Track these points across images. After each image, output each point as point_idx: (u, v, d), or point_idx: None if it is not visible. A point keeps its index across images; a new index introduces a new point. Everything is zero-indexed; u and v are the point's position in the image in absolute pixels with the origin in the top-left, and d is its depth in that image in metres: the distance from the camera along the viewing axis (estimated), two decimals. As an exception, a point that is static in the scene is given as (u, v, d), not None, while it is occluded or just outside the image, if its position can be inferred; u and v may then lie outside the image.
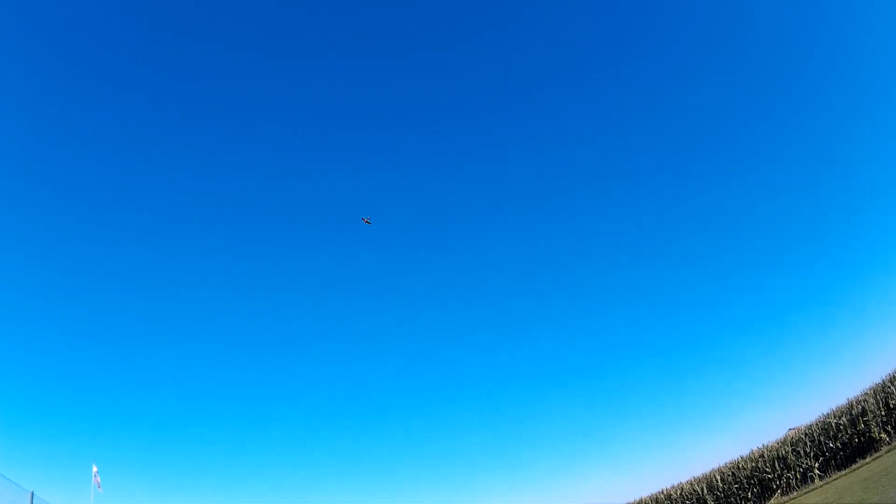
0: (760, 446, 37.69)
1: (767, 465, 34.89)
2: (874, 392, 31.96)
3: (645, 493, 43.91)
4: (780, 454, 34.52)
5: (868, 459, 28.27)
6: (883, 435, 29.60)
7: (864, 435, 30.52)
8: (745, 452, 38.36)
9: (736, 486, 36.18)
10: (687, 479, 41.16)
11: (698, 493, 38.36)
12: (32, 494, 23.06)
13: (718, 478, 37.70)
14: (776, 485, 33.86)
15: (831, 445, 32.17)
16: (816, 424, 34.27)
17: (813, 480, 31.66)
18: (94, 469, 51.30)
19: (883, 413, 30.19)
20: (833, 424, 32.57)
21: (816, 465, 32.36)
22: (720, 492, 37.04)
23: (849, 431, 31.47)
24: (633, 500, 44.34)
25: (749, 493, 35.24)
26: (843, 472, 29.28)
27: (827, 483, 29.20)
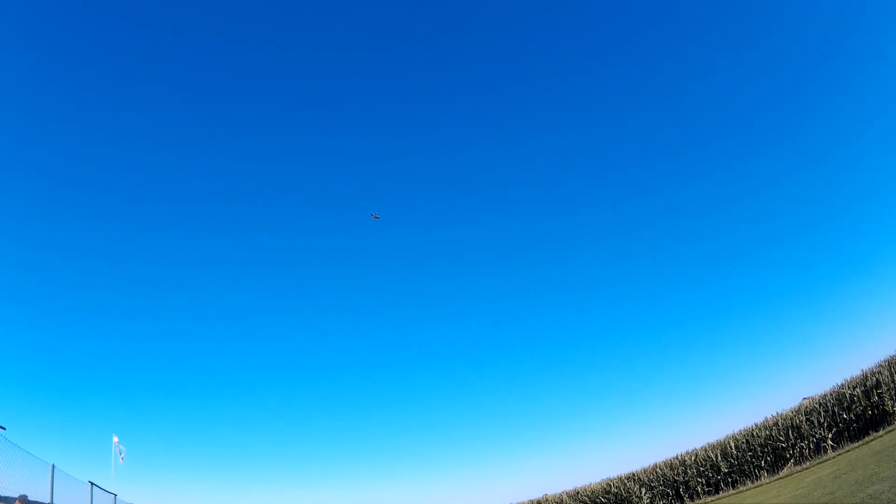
0: (775, 414, 38.22)
1: (781, 433, 35.46)
2: (889, 364, 32.08)
3: (660, 459, 44.84)
4: (795, 423, 35.04)
5: (881, 432, 28.70)
6: (896, 408, 30.17)
7: (877, 407, 30.98)
8: (759, 420, 39.17)
9: (749, 453, 36.87)
10: (701, 445, 42.09)
11: (712, 460, 39.12)
12: (53, 467, 23.33)
13: (732, 445, 38.39)
14: (789, 454, 34.49)
15: (845, 416, 32.65)
16: (831, 394, 34.63)
17: (826, 451, 32.23)
18: (115, 440, 52.10)
19: (896, 386, 30.66)
20: (847, 395, 32.91)
21: (830, 435, 32.93)
22: (734, 459, 37.77)
23: (863, 403, 31.89)
24: (648, 465, 45.27)
25: (762, 462, 35.98)
26: (856, 445, 29.74)
27: (839, 454, 29.70)
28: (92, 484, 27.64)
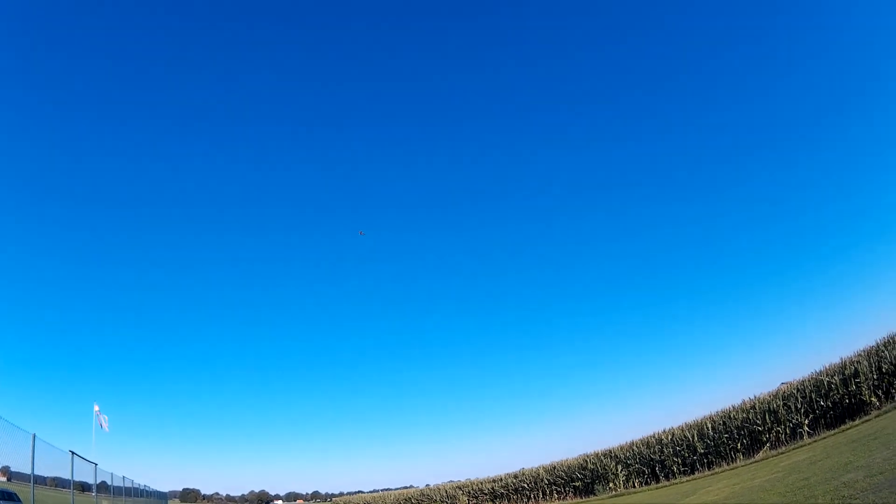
0: (752, 398, 38.76)
1: (758, 417, 35.89)
2: (868, 354, 32.36)
3: (636, 437, 45.54)
4: (772, 407, 35.46)
5: (857, 421, 29.11)
6: (873, 399, 30.42)
7: (855, 396, 31.42)
8: (736, 403, 39.77)
9: (726, 435, 37.36)
10: (678, 424, 42.73)
11: (689, 440, 39.73)
12: (34, 437, 23.30)
13: (709, 426, 38.93)
14: (766, 438, 35.01)
15: (822, 403, 33.06)
16: (809, 381, 34.95)
17: (802, 437, 32.68)
18: (96, 408, 52.16)
19: (875, 377, 30.89)
20: (825, 383, 33.24)
21: (806, 421, 33.39)
22: (710, 440, 38.35)
23: (840, 391, 32.29)
24: (624, 443, 45.98)
25: (738, 444, 36.55)
26: (832, 432, 30.15)
27: (815, 441, 30.11)
28: (73, 454, 27.78)
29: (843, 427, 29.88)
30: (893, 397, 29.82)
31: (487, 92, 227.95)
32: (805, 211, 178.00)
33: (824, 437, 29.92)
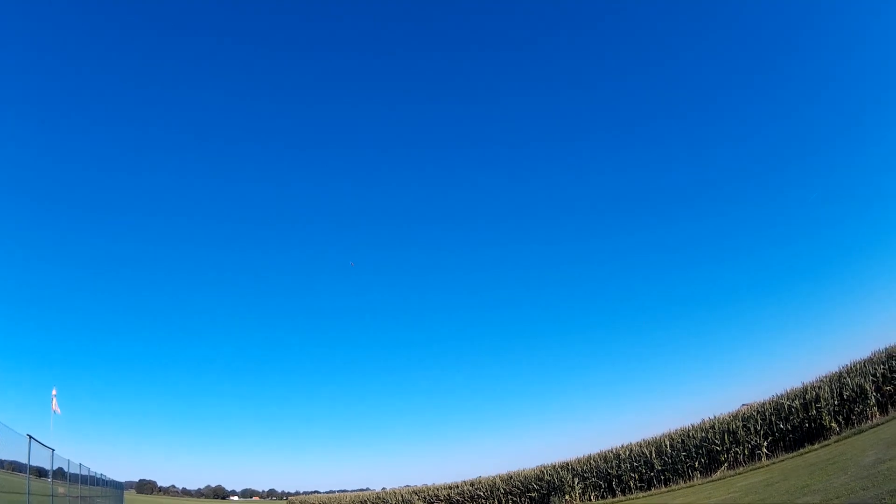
0: (712, 417, 38.67)
1: (717, 437, 35.70)
2: (829, 380, 32.57)
3: (594, 450, 45.39)
4: (731, 428, 35.30)
5: (816, 446, 29.07)
6: (833, 424, 30.44)
7: (815, 421, 31.44)
8: (696, 422, 39.73)
9: (684, 453, 37.17)
10: (637, 440, 42.63)
11: (646, 456, 39.54)
12: None
13: (667, 443, 38.76)
14: (724, 458, 34.91)
15: (781, 426, 32.98)
16: (769, 403, 34.89)
17: (760, 458, 32.59)
18: (54, 392, 51.27)
19: (836, 403, 30.96)
20: (786, 406, 33.22)
21: (765, 443, 33.31)
22: (668, 457, 38.20)
23: (800, 415, 32.26)
24: (582, 456, 45.79)
25: (696, 463, 36.39)
26: (791, 455, 30.10)
27: (774, 463, 30.02)
28: (30, 438, 27.09)
29: (801, 451, 29.86)
30: (854, 424, 29.84)
31: (484, 92, 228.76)
32: (776, 236, 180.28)
33: (782, 460, 29.86)
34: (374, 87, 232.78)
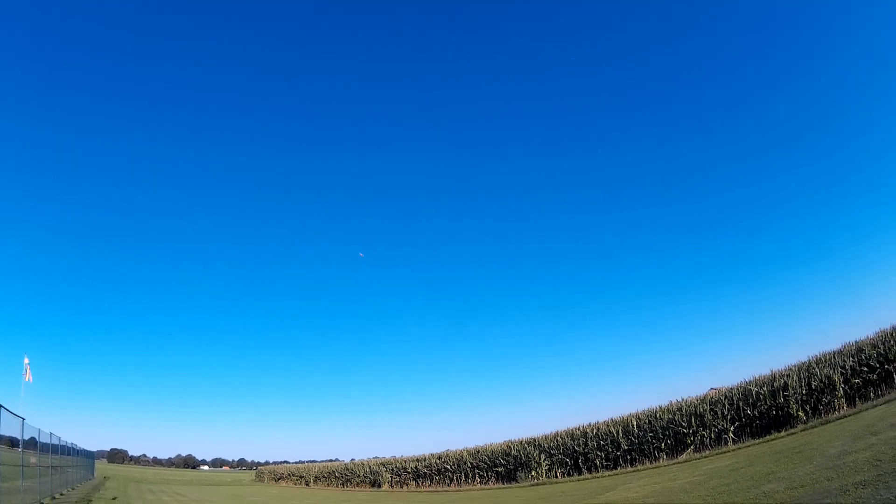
0: (680, 400, 38.94)
1: (684, 419, 35.93)
2: (798, 370, 32.63)
3: (562, 428, 45.49)
4: (699, 411, 35.51)
5: (783, 433, 29.12)
6: (801, 413, 30.52)
7: (782, 409, 31.51)
8: (664, 403, 39.91)
9: (651, 434, 37.34)
10: (604, 419, 42.74)
11: (613, 435, 39.64)
12: None
13: (634, 423, 38.83)
14: (690, 440, 35.04)
15: (749, 412, 33.12)
16: (738, 389, 35.05)
17: (726, 443, 32.70)
18: (26, 361, 50.57)
19: (804, 392, 31.02)
20: (753, 392, 33.35)
21: (732, 428, 33.48)
22: (634, 437, 38.31)
23: (768, 402, 32.37)
24: (549, 433, 45.89)
25: (663, 444, 36.52)
26: (757, 441, 30.14)
27: (739, 448, 30.07)
28: (0, 406, 26.69)
29: (767, 437, 29.92)
30: (821, 414, 29.95)
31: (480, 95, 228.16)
32: (749, 222, 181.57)
33: (748, 446, 29.92)
34: (374, 80, 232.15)
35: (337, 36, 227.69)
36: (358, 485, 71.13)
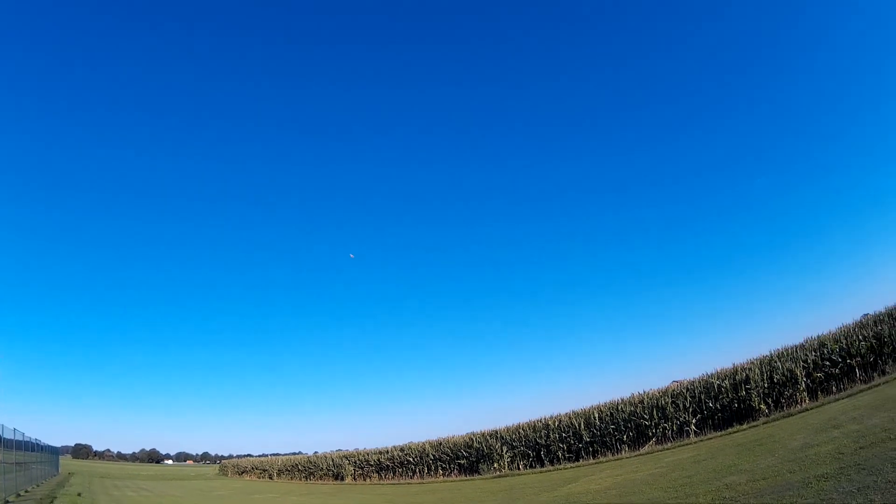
0: (641, 392, 38.60)
1: (646, 412, 35.64)
2: (760, 363, 32.47)
3: (524, 420, 45.08)
4: (660, 404, 35.23)
5: (744, 426, 28.85)
6: (762, 406, 30.26)
7: (744, 402, 31.26)
8: (626, 395, 39.58)
9: (613, 426, 36.97)
10: (566, 411, 42.34)
11: (575, 427, 39.25)
12: None
13: (596, 415, 38.47)
14: (652, 433, 34.74)
15: (711, 405, 32.86)
16: (699, 382, 34.85)
17: (688, 435, 32.40)
18: None
19: (765, 385, 30.79)
20: (715, 385, 33.10)
21: (694, 420, 33.21)
22: (596, 429, 37.94)
23: (730, 395, 32.11)
24: (511, 425, 45.47)
25: (624, 437, 36.17)
26: (719, 434, 29.88)
27: (701, 440, 29.81)
28: None
29: (729, 430, 29.67)
30: (783, 407, 29.70)
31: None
32: (711, 219, 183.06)
33: (710, 438, 29.67)
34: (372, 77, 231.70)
35: (334, 38, 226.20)
36: (321, 478, 70.35)
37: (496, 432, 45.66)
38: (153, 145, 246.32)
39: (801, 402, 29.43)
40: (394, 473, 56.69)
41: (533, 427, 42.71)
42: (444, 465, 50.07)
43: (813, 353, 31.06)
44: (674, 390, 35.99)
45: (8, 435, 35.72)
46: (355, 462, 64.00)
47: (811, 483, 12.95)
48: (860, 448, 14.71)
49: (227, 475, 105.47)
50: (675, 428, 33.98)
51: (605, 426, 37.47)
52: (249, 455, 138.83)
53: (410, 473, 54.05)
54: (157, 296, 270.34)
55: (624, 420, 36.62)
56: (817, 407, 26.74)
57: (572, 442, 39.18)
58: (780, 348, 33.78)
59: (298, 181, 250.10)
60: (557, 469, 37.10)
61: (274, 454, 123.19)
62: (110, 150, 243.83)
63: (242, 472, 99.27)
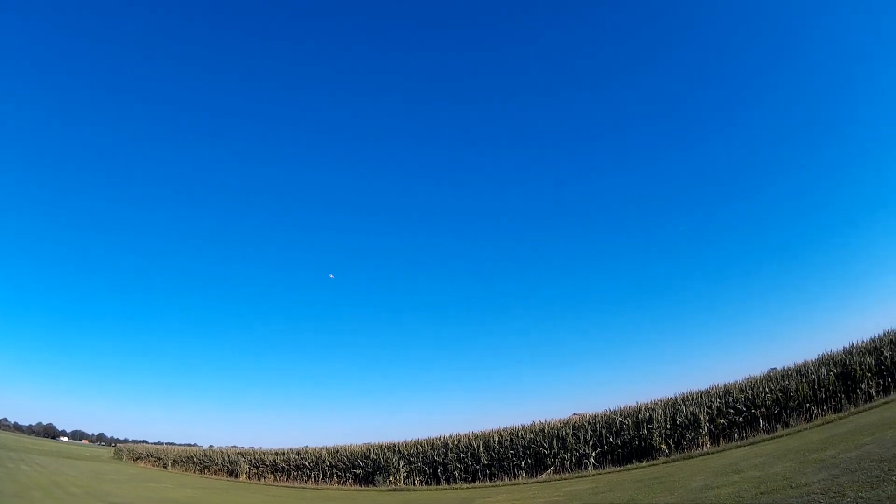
0: (542, 421, 37.42)
1: (546, 440, 34.40)
2: (664, 404, 32.00)
3: (422, 436, 43.70)
4: (561, 434, 34.00)
5: (644, 464, 27.96)
6: (664, 446, 29.45)
7: (645, 440, 30.38)
8: (527, 423, 38.47)
9: (512, 451, 35.58)
10: (465, 432, 41.07)
11: (474, 449, 37.86)
12: None
13: (496, 439, 37.04)
14: (551, 461, 33.63)
15: (612, 440, 31.80)
16: (602, 416, 33.90)
17: (587, 468, 31.34)
18: None
19: (668, 426, 30.06)
20: (618, 422, 32.17)
21: (594, 454, 32.14)
22: (495, 453, 36.61)
23: (631, 433, 31.21)
24: (409, 440, 44.03)
25: (523, 463, 34.86)
26: (618, 469, 28.94)
27: (600, 474, 28.73)
28: None
29: (629, 466, 28.73)
30: (684, 449, 28.88)
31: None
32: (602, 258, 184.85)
33: (609, 472, 28.62)
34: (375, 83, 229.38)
35: (334, 38, 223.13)
36: (216, 472, 67.31)
37: (394, 445, 44.01)
38: (148, 141, 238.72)
39: (703, 445, 28.67)
40: (289, 476, 54.35)
41: (432, 444, 41.17)
42: (339, 473, 48.06)
43: (718, 400, 30.41)
44: (575, 422, 35.01)
45: None
46: (251, 460, 61.45)
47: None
48: (761, 493, 13.69)
49: (121, 459, 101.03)
50: (574, 459, 32.81)
51: (505, 451, 36.07)
52: (145, 441, 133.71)
53: (305, 478, 51.84)
54: (65, 271, 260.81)
55: (524, 447, 35.30)
56: (719, 452, 25.96)
57: (470, 463, 37.68)
58: (685, 392, 33.24)
59: (284, 180, 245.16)
60: (454, 488, 35.64)
61: (169, 443, 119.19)
62: (100, 142, 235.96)
63: (137, 458, 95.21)
